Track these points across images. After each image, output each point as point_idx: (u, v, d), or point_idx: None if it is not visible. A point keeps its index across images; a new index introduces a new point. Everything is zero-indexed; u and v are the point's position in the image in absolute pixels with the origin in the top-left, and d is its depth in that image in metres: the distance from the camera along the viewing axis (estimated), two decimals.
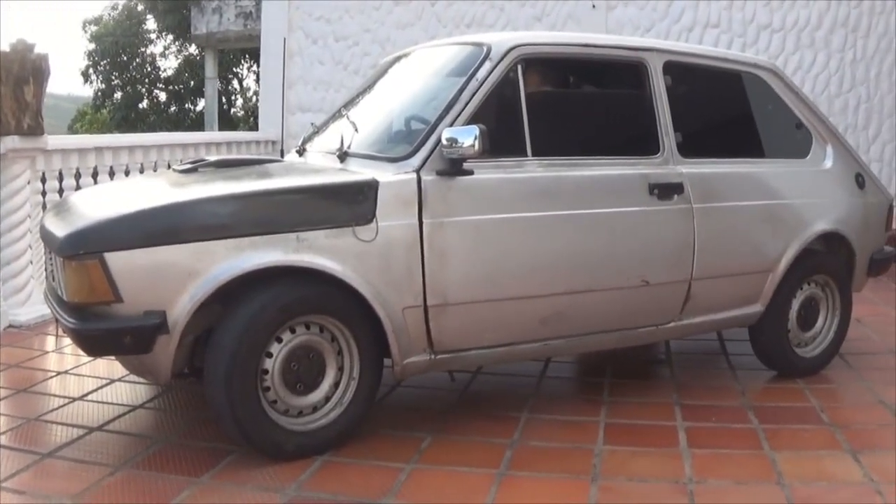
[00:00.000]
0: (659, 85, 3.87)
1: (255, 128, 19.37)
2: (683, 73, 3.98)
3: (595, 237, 3.60)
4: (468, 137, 3.15)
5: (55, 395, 3.94)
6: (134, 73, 24.47)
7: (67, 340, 4.69)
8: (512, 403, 3.84)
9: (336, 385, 3.23)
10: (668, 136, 3.84)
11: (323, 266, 3.07)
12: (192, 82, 24.54)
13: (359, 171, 3.34)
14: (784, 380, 4.25)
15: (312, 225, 3.08)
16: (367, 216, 3.16)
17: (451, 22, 8.75)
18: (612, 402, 3.88)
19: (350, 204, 3.16)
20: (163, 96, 25.35)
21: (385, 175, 3.24)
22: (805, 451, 3.31)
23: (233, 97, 26.68)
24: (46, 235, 3.36)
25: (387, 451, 3.25)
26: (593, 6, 8.17)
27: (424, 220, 3.23)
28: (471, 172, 3.31)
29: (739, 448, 3.35)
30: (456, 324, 3.34)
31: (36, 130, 5.32)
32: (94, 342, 3.04)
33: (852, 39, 8.07)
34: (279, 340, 3.09)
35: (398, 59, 4.38)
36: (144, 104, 24.86)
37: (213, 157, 3.99)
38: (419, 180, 3.24)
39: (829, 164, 4.41)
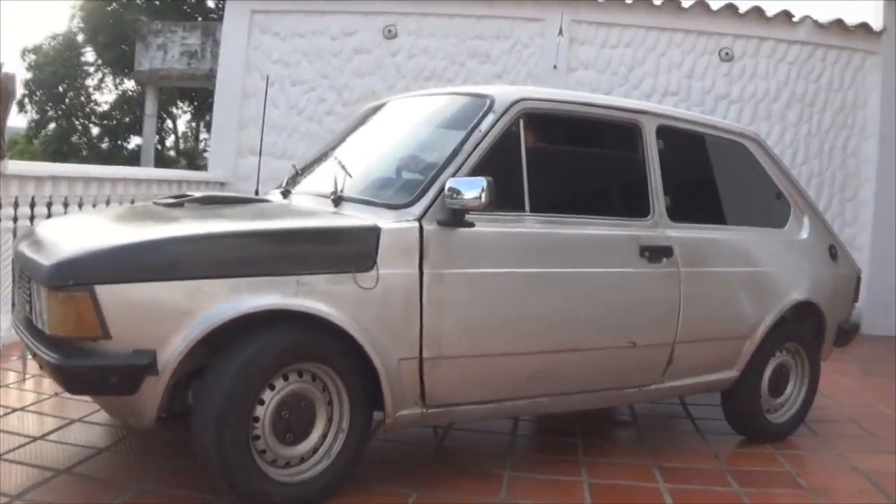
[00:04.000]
0: (652, 148, 3.91)
1: (189, 167, 19.12)
2: (675, 138, 4.04)
3: (587, 296, 3.59)
4: (474, 189, 3.10)
5: (15, 434, 3.73)
6: (70, 106, 23.99)
7: (27, 374, 4.50)
8: (491, 461, 3.76)
9: (324, 436, 3.12)
10: (658, 199, 3.88)
11: (323, 312, 2.97)
12: (127, 119, 24.15)
13: (357, 216, 3.27)
14: (753, 444, 4.28)
15: (313, 269, 2.99)
16: (369, 263, 3.08)
17: (409, 73, 8.71)
18: (589, 462, 3.83)
19: (352, 249, 3.08)
20: (96, 131, 24.91)
21: (386, 222, 3.17)
22: None
23: (166, 136, 26.37)
24: (27, 263, 3.16)
25: None
26: (555, 67, 8.26)
27: (425, 271, 3.16)
28: (472, 224, 3.26)
29: None
30: (449, 377, 3.27)
31: None
32: (76, 379, 2.87)
33: (808, 114, 8.33)
34: (272, 387, 2.98)
35: (381, 106, 4.36)
36: (76, 138, 24.36)
37: (197, 194, 3.87)
38: (421, 229, 3.19)
39: (805, 234, 4.51)
